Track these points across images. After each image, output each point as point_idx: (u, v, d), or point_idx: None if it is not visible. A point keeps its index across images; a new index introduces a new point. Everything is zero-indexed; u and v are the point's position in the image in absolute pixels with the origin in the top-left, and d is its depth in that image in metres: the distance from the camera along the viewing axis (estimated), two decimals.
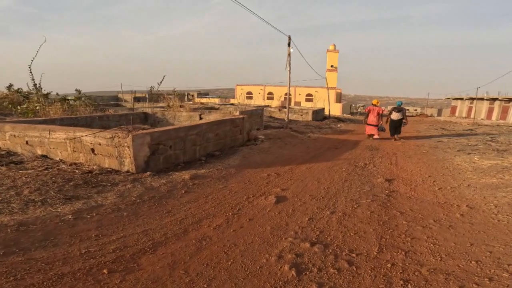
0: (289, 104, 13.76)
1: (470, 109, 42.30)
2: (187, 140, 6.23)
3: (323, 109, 23.11)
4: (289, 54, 12.87)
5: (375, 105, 11.37)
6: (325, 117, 22.61)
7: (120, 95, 43.13)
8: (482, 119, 36.96)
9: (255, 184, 5.04)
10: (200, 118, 9.29)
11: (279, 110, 18.15)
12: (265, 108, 18.93)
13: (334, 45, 41.00)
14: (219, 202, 4.18)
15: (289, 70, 13.25)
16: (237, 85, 45.95)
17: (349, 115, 34.28)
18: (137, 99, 39.32)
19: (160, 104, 13.15)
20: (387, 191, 4.85)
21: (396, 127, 11.16)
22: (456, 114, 46.75)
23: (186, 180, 4.99)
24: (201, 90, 65.11)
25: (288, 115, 13.69)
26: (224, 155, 7.02)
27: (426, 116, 41.93)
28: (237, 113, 10.07)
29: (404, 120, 11.06)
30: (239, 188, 4.82)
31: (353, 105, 50.03)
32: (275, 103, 38.07)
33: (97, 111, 10.72)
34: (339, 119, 21.51)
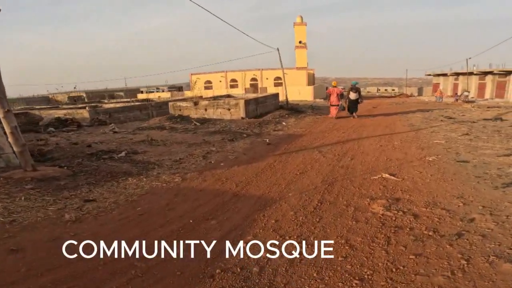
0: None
1: (455, 86, 36.67)
2: None
3: (275, 95, 17.01)
4: None
5: (334, 87, 11.98)
6: (282, 107, 16.83)
7: (51, 96, 35.96)
8: (472, 97, 31.57)
9: None
10: None
11: (195, 104, 12.00)
12: (171, 103, 12.93)
13: (301, 17, 33.83)
14: None
15: None
16: (191, 74, 37.28)
17: (322, 100, 28.77)
18: (74, 99, 32.88)
19: None
20: None
21: (354, 105, 11.94)
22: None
23: None
24: (176, 84, 57.91)
25: None
26: None
27: (407, 96, 36.40)
28: None
29: (360, 100, 12.00)
30: None
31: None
32: (239, 91, 31.71)
33: None
34: (295, 110, 15.66)
